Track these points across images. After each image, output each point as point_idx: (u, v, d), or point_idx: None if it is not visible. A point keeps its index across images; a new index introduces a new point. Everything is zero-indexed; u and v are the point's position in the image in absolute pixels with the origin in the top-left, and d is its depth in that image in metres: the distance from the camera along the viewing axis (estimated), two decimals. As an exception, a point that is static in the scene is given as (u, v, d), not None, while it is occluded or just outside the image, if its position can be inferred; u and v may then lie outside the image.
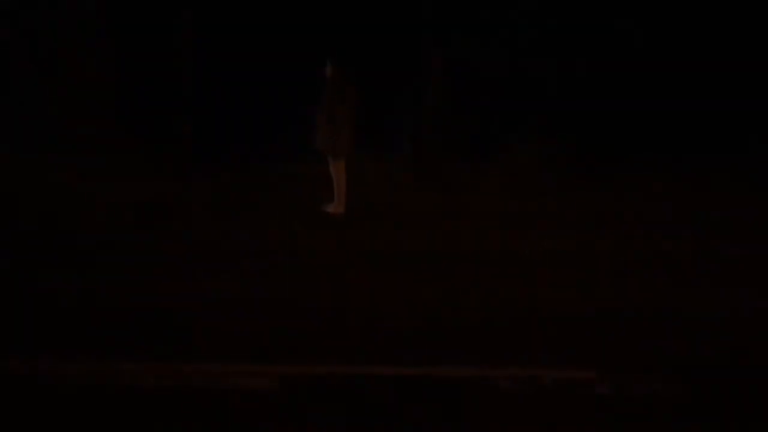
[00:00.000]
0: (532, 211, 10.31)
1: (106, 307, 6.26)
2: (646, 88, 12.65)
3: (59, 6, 12.05)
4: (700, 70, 12.67)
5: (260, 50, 12.40)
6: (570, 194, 11.21)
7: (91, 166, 11.30)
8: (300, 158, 11.50)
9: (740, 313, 6.39)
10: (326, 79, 10.07)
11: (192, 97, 12.55)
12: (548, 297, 6.77)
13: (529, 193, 11.31)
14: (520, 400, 4.70)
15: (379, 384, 4.89)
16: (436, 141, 12.53)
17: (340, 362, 5.17)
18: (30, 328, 5.79)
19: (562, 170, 12.03)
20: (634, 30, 12.81)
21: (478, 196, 11.09)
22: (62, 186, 10.62)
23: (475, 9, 12.59)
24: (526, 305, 6.51)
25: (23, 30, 11.90)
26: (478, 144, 12.26)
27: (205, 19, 12.56)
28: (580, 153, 12.24)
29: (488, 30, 12.60)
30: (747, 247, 8.57)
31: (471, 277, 7.43)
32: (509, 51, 12.64)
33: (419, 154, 12.34)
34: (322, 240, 8.94)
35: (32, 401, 4.59)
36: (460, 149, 12.27)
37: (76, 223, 9.20)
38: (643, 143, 12.13)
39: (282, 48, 12.28)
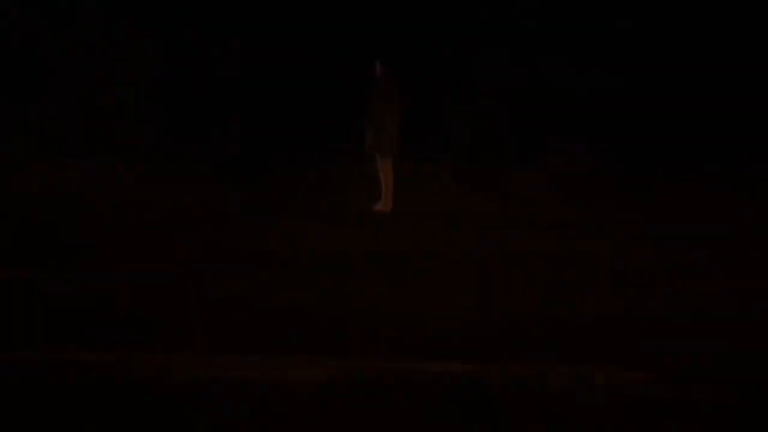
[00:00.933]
0: (573, 216, 10.21)
1: (147, 301, 6.27)
2: (696, 95, 12.50)
3: (108, 11, 12.11)
4: (752, 78, 12.52)
5: (307, 52, 12.42)
6: (613, 200, 11.11)
7: (137, 169, 11.36)
8: (349, 158, 11.52)
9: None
10: (374, 79, 10.09)
11: (238, 101, 12.58)
12: (589, 298, 6.69)
13: (573, 197, 11.21)
14: (572, 400, 4.61)
15: (428, 380, 4.83)
16: (483, 145, 12.47)
17: (389, 358, 5.12)
18: (84, 320, 5.81)
19: (607, 176, 11.92)
20: (683, 38, 12.67)
21: (521, 200, 11.01)
22: (107, 188, 10.67)
23: (525, 15, 12.52)
24: (568, 305, 6.44)
25: (73, 33, 11.95)
26: (524, 149, 12.18)
27: (251, 21, 12.58)
28: (627, 159, 12.12)
29: (537, 37, 12.52)
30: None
31: (513, 278, 7.36)
32: (558, 57, 12.55)
33: (466, 157, 12.29)
34: (366, 240, 8.93)
35: (81, 395, 4.58)
36: (506, 154, 12.20)
37: (120, 224, 9.24)
38: (693, 150, 11.94)
39: (329, 50, 12.26)
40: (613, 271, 7.71)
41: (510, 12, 12.53)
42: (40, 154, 11.45)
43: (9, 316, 5.77)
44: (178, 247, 8.23)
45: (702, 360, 5.25)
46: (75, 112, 11.85)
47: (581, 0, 12.52)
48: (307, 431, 4.07)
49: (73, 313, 5.89)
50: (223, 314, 6.00)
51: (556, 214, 10.39)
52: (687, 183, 11.65)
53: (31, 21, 11.88)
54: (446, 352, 5.26)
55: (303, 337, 5.49)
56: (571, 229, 9.57)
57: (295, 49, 12.47)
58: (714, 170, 11.89)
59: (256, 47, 12.48)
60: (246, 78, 12.51)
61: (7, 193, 10.24)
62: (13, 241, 8.30)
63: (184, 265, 7.35)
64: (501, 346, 5.44)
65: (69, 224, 9.19)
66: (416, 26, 12.49)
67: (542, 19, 12.53)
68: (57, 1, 11.95)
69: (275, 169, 11.77)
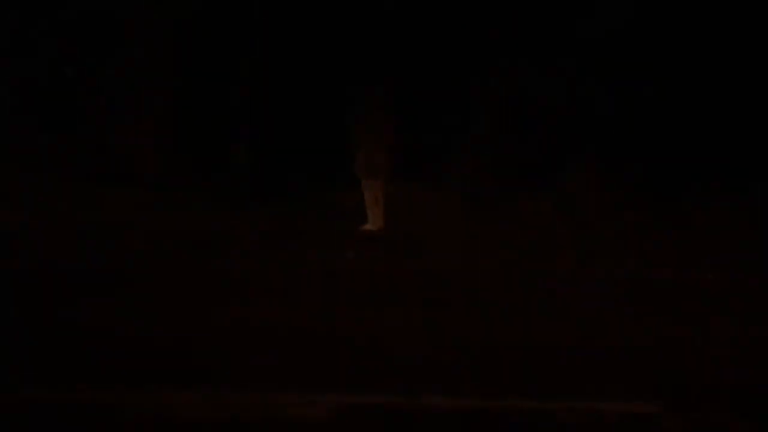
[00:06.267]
0: (576, 240, 10.05)
1: (149, 336, 6.19)
2: (706, 116, 12.35)
3: (122, 40, 12.19)
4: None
5: (312, 80, 12.43)
6: (620, 224, 10.95)
7: (146, 198, 11.34)
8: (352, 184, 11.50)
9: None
10: (359, 103, 10.42)
11: (245, 131, 12.60)
12: (592, 327, 6.57)
13: (578, 222, 11.06)
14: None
15: (434, 416, 4.72)
16: (486, 169, 12.37)
17: (390, 393, 5.01)
18: (86, 358, 5.72)
19: (615, 201, 11.76)
20: (695, 57, 12.55)
21: (524, 224, 10.87)
22: (117, 218, 10.63)
23: (528, 35, 12.43)
24: (569, 335, 6.31)
25: (86, 62, 12.01)
26: (529, 172, 12.05)
27: (259, 56, 12.61)
28: (634, 182, 11.97)
29: (541, 56, 12.42)
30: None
31: (510, 306, 7.25)
32: (563, 78, 12.43)
33: (468, 181, 12.19)
34: (358, 264, 8.90)
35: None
36: (510, 177, 12.08)
37: (127, 254, 9.19)
38: (703, 173, 11.74)
39: (334, 76, 12.26)
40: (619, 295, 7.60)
41: (519, 31, 12.44)
42: (58, 183, 11.44)
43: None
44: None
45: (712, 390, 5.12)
46: (88, 141, 11.83)
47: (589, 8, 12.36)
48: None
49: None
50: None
51: (560, 238, 10.23)
52: (708, 204, 11.43)
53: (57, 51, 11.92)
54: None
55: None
56: (584, 254, 9.44)
57: (297, 73, 12.47)
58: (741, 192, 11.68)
59: (260, 73, 12.49)
60: (251, 105, 12.51)
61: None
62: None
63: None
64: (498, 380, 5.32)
65: (94, 254, 9.13)
66: (417, 49, 12.46)
67: (548, 30, 12.41)
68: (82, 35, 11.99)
69: (284, 195, 11.71)
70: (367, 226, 10.42)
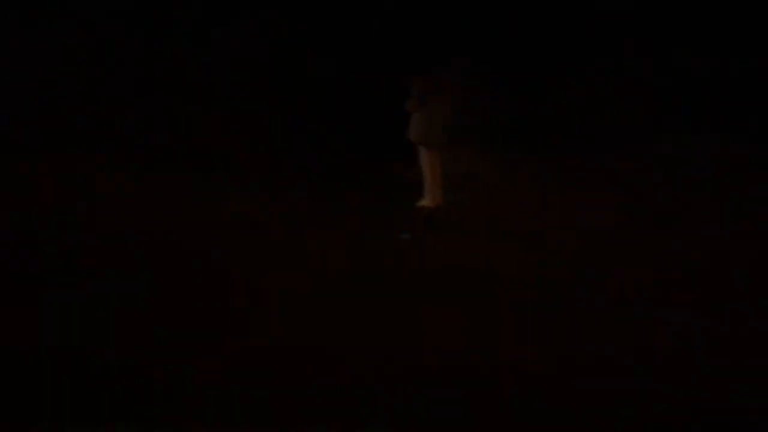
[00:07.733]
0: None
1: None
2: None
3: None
4: None
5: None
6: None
7: (228, 182, 10.51)
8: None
9: None
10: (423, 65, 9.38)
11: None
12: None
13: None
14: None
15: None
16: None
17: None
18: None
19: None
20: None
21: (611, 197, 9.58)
22: (202, 202, 9.87)
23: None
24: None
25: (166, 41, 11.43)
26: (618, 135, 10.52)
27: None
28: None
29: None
30: None
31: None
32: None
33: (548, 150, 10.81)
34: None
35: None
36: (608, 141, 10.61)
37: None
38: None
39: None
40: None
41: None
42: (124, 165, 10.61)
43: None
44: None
45: None
46: (160, 121, 11.09)
47: None
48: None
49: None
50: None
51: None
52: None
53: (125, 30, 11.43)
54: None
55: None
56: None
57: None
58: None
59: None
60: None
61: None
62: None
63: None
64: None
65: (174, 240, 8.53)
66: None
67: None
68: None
69: (332, 170, 10.70)
70: (424, 202, 9.23)
